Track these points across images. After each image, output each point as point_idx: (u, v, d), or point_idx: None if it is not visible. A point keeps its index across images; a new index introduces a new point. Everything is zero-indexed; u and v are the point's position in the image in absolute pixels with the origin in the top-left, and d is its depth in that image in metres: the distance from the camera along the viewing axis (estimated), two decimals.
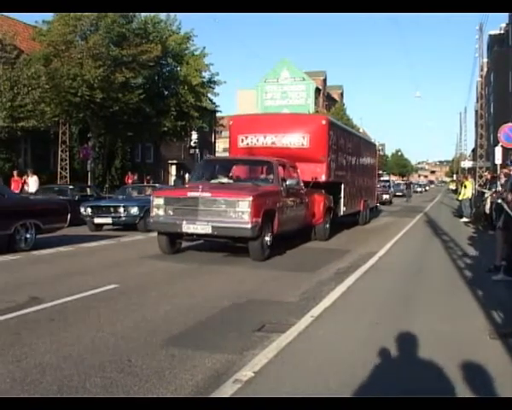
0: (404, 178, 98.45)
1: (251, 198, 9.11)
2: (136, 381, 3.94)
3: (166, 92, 28.86)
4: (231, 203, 9.21)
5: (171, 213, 9.64)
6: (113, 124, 26.18)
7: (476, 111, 57.53)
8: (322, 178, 13.00)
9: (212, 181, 10.79)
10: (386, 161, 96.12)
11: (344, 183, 14.97)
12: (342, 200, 14.80)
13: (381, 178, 72.48)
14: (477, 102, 50.74)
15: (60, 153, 26.50)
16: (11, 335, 4.94)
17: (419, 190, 62.71)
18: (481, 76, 39.25)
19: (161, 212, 9.72)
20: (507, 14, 47.20)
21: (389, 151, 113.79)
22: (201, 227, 9.20)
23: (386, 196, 34.10)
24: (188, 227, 9.31)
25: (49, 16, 23.47)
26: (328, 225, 13.21)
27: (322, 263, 9.65)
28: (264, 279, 8.06)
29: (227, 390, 3.73)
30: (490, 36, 57.11)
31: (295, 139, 12.94)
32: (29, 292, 6.60)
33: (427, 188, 76.86)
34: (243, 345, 4.82)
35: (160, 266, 8.94)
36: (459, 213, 23.18)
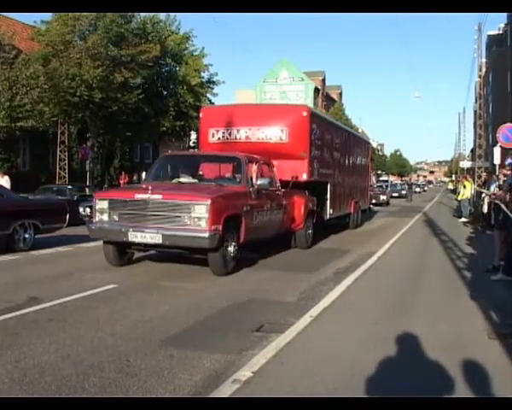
0: (404, 179, 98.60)
1: (209, 201, 7.68)
2: (134, 381, 3.94)
3: (165, 92, 28.86)
4: (186, 207, 7.80)
5: (117, 219, 8.17)
6: (112, 124, 26.17)
7: (475, 111, 57.61)
8: (304, 177, 11.54)
9: (174, 181, 9.37)
10: (385, 161, 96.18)
11: (330, 182, 13.58)
12: (329, 201, 13.41)
13: (380, 179, 72.45)
14: (476, 102, 50.82)
15: (58, 153, 26.47)
16: (10, 335, 4.93)
17: (417, 190, 61.96)
18: (480, 76, 39.29)
19: (105, 217, 8.26)
20: (505, 15, 47.24)
21: (388, 151, 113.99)
22: (150, 236, 7.78)
23: (383, 197, 32.90)
24: (134, 236, 7.87)
25: (47, 16, 23.47)
26: (310, 231, 11.77)
27: (321, 263, 9.65)
28: (262, 279, 8.06)
29: (226, 390, 3.73)
30: (488, 36, 57.16)
31: (273, 133, 11.49)
32: (28, 292, 6.60)
33: (425, 188, 76.70)
34: (242, 345, 4.82)
35: (159, 266, 8.93)
36: (458, 214, 23.21)
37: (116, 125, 26.57)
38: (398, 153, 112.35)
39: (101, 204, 8.37)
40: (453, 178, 73.18)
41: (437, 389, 3.82)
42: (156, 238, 7.77)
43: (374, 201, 29.35)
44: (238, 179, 9.25)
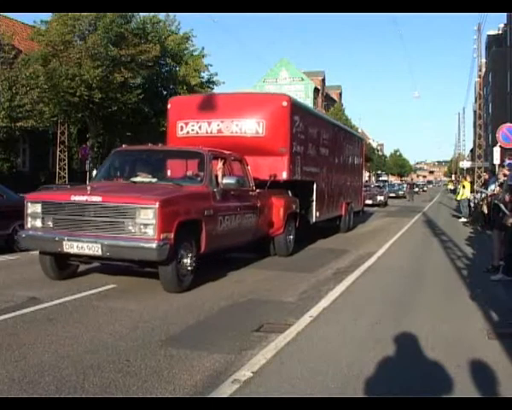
0: (404, 179, 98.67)
1: (157, 204, 6.40)
2: (134, 381, 3.94)
3: (165, 92, 28.83)
4: (129, 212, 6.51)
5: (51, 225, 6.93)
6: (112, 124, 26.16)
7: (474, 111, 57.61)
8: (283, 175, 10.32)
9: (132, 180, 8.01)
10: (384, 161, 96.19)
11: (317, 182, 12.36)
12: (315, 203, 12.17)
13: (380, 179, 72.18)
14: (475, 102, 50.78)
15: (58, 153, 26.47)
16: (9, 335, 4.93)
17: (416, 190, 61.46)
18: (480, 76, 39.27)
19: (38, 223, 7.02)
20: (505, 15, 47.28)
21: (388, 151, 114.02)
22: (88, 246, 6.57)
23: (380, 198, 31.69)
24: (70, 246, 6.67)
25: (47, 16, 23.46)
26: (291, 236, 10.56)
27: (321, 263, 9.66)
28: (262, 279, 8.06)
29: (226, 390, 3.73)
30: (488, 36, 57.25)
31: (248, 126, 10.18)
32: (27, 292, 6.60)
33: (424, 188, 76.45)
34: (242, 345, 4.82)
35: None
36: (458, 214, 23.23)
37: (116, 126, 26.55)
38: (397, 153, 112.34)
39: (33, 208, 7.08)
40: (453, 178, 73.21)
41: (437, 389, 3.82)
42: (95, 249, 6.56)
43: (370, 201, 28.88)
44: (200, 178, 7.90)
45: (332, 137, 14.04)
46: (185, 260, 6.98)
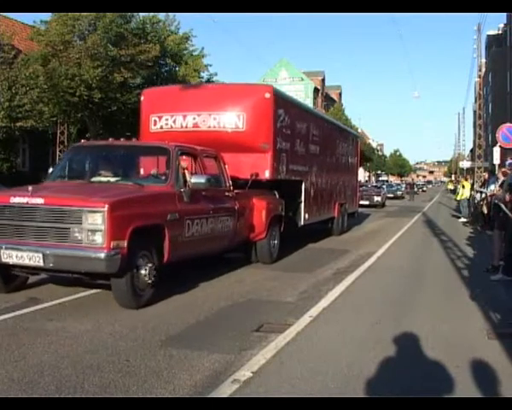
0: (404, 179, 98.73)
1: (106, 207, 5.52)
2: (134, 381, 3.94)
3: None
4: (75, 216, 5.63)
5: None
6: (112, 124, 26.14)
7: (474, 111, 57.61)
8: (266, 174, 9.40)
9: (90, 179, 7.24)
10: (384, 161, 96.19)
11: (306, 181, 11.46)
12: (303, 204, 11.25)
13: (380, 178, 72.22)
14: (475, 102, 50.78)
15: (58, 153, 26.45)
16: (9, 335, 4.93)
17: (415, 190, 60.72)
18: (479, 76, 39.26)
19: None
20: (505, 15, 47.28)
21: (388, 151, 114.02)
22: (29, 255, 5.69)
23: (377, 199, 30.15)
24: (8, 255, 5.79)
25: (47, 16, 23.45)
26: (276, 241, 9.62)
27: (320, 263, 9.65)
28: (262, 279, 8.06)
29: (225, 390, 3.73)
30: (488, 36, 57.23)
31: (227, 119, 9.28)
32: (27, 292, 6.59)
33: (424, 188, 76.22)
34: (241, 345, 4.82)
35: None
36: (457, 214, 23.24)
37: (115, 125, 26.53)
38: (397, 153, 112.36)
39: None
40: (453, 178, 73.22)
41: (437, 389, 3.82)
42: (36, 259, 5.67)
43: (367, 202, 27.92)
44: (164, 177, 7.02)
45: (323, 134, 13.01)
46: (143, 272, 6.02)
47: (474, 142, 40.99)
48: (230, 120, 9.30)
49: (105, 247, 5.54)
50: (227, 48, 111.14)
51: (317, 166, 12.40)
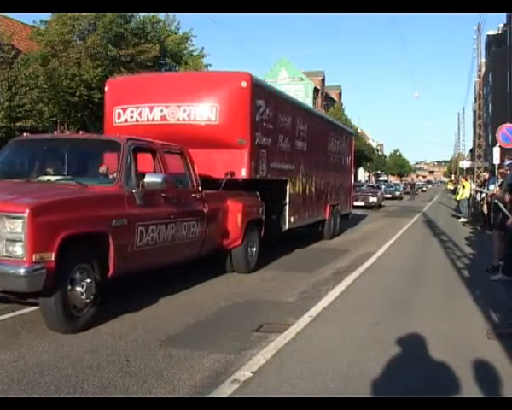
0: (404, 179, 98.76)
1: (27, 212, 4.60)
2: (134, 381, 3.93)
3: None
4: None
5: None
6: None
7: (474, 111, 57.59)
8: (243, 173, 8.42)
9: (35, 179, 6.18)
10: (384, 161, 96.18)
11: (291, 181, 10.49)
12: (288, 206, 10.28)
13: (380, 178, 72.10)
14: (475, 102, 50.79)
15: None
16: (9, 335, 4.93)
17: (415, 189, 60.12)
18: (479, 76, 39.27)
19: None
20: (505, 15, 47.29)
21: (388, 151, 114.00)
22: None
23: (373, 199, 28.60)
24: None
25: (46, 16, 23.45)
26: (254, 248, 8.66)
27: (320, 263, 9.65)
28: (262, 279, 8.06)
29: (225, 390, 3.73)
30: (488, 36, 57.24)
31: (198, 111, 8.30)
32: None
33: (424, 189, 75.92)
34: (241, 345, 4.82)
35: None
36: (457, 214, 23.25)
37: None
38: (397, 153, 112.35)
39: None
40: (452, 178, 73.22)
41: (437, 390, 3.82)
42: None
43: (362, 203, 26.94)
44: (112, 176, 6.03)
45: (312, 129, 11.90)
46: (80, 289, 5.06)
47: (474, 142, 41.00)
48: (202, 112, 8.32)
49: (26, 260, 4.58)
50: (227, 48, 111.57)
51: (304, 165, 11.34)
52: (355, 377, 4.03)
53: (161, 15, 27.75)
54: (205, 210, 7.31)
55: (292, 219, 10.46)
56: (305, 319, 5.63)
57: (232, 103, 8.35)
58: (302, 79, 61.31)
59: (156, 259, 6.36)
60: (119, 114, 8.77)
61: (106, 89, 9.44)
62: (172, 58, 28.48)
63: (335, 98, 71.13)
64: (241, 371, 4.11)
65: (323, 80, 67.20)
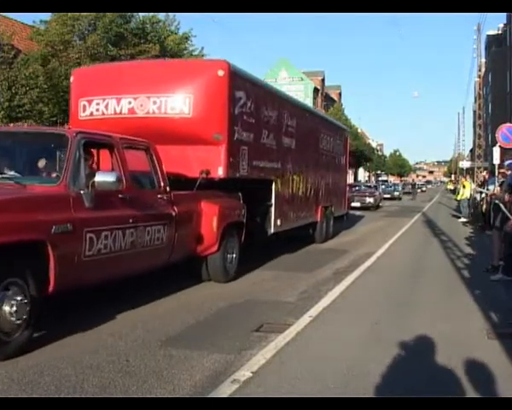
0: (403, 179, 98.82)
1: None
2: (134, 381, 3.93)
3: None
4: None
5: None
6: None
7: (474, 111, 57.60)
8: (219, 172, 7.66)
9: None
10: (384, 161, 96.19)
11: (277, 181, 9.65)
12: (274, 208, 9.43)
13: (380, 178, 72.07)
14: (475, 102, 50.81)
15: None
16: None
17: (411, 191, 58.59)
18: (479, 76, 39.29)
19: None
20: (505, 15, 47.29)
21: (387, 151, 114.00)
22: None
23: (369, 200, 27.40)
24: None
25: (46, 16, 23.46)
26: (233, 255, 7.90)
27: (320, 263, 9.65)
28: (262, 279, 8.06)
29: (225, 390, 3.73)
30: (488, 36, 57.24)
31: (170, 103, 7.54)
32: None
33: (423, 189, 75.33)
34: (241, 345, 4.82)
35: None
36: (457, 214, 23.26)
37: None
38: (397, 153, 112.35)
39: None
40: (452, 178, 73.19)
41: (436, 390, 3.82)
42: None
43: (358, 204, 25.87)
44: (56, 174, 5.23)
45: (302, 125, 11.07)
46: (8, 309, 4.24)
47: (474, 142, 41.02)
48: (174, 104, 7.53)
49: None
50: (227, 48, 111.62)
51: (292, 163, 10.51)
52: (355, 377, 4.03)
53: (161, 15, 27.74)
54: (173, 213, 6.52)
55: (278, 222, 9.67)
56: (305, 319, 5.62)
57: (207, 94, 7.57)
58: (302, 79, 61.33)
59: (113, 269, 5.60)
60: (84, 106, 7.98)
61: (71, 79, 8.68)
62: (172, 58, 28.49)
63: (335, 98, 71.14)
64: (241, 371, 4.11)
65: (323, 80, 67.21)
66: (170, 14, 28.08)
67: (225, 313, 6.04)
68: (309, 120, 11.89)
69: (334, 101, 68.09)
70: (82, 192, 5.12)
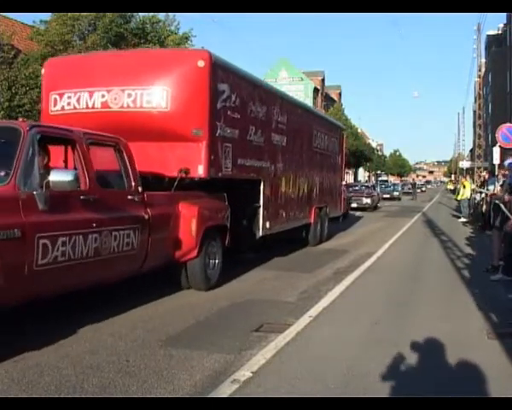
0: (403, 179, 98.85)
1: None
2: (134, 381, 3.93)
3: None
4: None
5: None
6: None
7: (474, 111, 57.61)
8: (199, 170, 7.07)
9: None
10: (384, 161, 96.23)
11: (266, 181, 9.07)
12: (262, 209, 8.87)
13: (380, 178, 72.13)
14: (475, 102, 50.81)
15: None
16: (8, 335, 4.92)
17: (411, 190, 57.73)
18: (479, 76, 39.30)
19: None
20: (505, 15, 47.30)
21: (387, 151, 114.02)
22: None
23: (366, 201, 26.55)
24: None
25: (46, 16, 23.47)
26: (216, 260, 7.33)
27: (320, 263, 9.66)
28: (262, 279, 8.06)
29: (225, 390, 3.73)
30: (488, 36, 57.25)
31: (146, 96, 6.96)
32: None
33: (423, 189, 74.84)
34: (241, 345, 4.82)
35: None
36: (457, 214, 23.26)
37: None
38: (397, 153, 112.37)
39: None
40: (452, 178, 73.19)
41: (436, 389, 3.82)
42: None
43: (355, 204, 25.03)
44: (4, 172, 4.61)
45: (294, 122, 10.54)
46: None
47: (474, 142, 41.03)
48: (150, 97, 6.96)
49: None
50: (227, 48, 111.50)
51: (283, 162, 9.94)
52: (355, 377, 4.03)
53: (161, 15, 27.74)
54: (146, 216, 5.95)
55: (267, 225, 9.08)
56: (305, 319, 5.63)
57: (187, 87, 6.99)
58: (302, 79, 61.36)
59: (73, 278, 5.03)
60: (55, 100, 7.40)
61: (42, 71, 8.07)
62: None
63: (335, 98, 71.16)
64: (241, 371, 4.11)
65: (323, 80, 67.24)
66: (170, 14, 28.07)
67: (225, 312, 6.04)
68: (301, 117, 11.34)
69: (334, 101, 68.10)
70: (35, 193, 4.57)
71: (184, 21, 66.32)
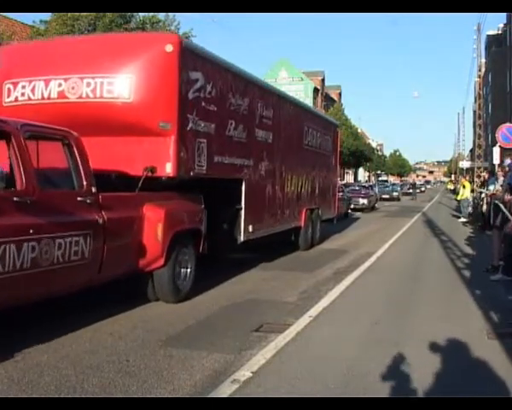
0: (403, 179, 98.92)
1: None
2: (134, 381, 3.93)
3: None
4: None
5: None
6: None
7: (474, 111, 57.61)
8: (167, 169, 6.28)
9: None
10: (384, 161, 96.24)
11: (248, 180, 8.31)
12: (244, 212, 8.13)
13: (380, 178, 72.13)
14: (475, 102, 50.82)
15: None
16: (8, 335, 4.92)
17: (411, 190, 53.61)
18: (479, 76, 39.30)
19: None
20: (505, 15, 47.29)
21: (387, 151, 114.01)
22: None
23: (362, 201, 25.67)
24: None
25: (46, 16, 23.45)
26: (187, 269, 6.55)
27: (320, 263, 9.65)
28: (262, 279, 8.06)
29: (225, 390, 3.73)
30: (488, 36, 57.28)
31: (106, 85, 6.18)
32: None
33: (422, 189, 74.48)
34: (241, 345, 4.82)
35: None
36: (457, 214, 23.27)
37: None
38: (397, 153, 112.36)
39: None
40: (452, 178, 73.18)
41: (436, 389, 3.82)
42: None
43: (352, 205, 23.75)
44: None
45: (282, 117, 9.75)
46: None
47: (474, 142, 41.01)
48: (111, 86, 6.17)
49: None
50: (227, 48, 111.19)
51: (268, 160, 9.13)
52: (355, 377, 4.03)
53: (161, 15, 27.70)
54: (100, 220, 5.19)
55: (250, 229, 8.33)
56: (305, 319, 5.63)
57: (153, 74, 6.23)
58: (302, 79, 61.36)
59: (5, 293, 4.19)
60: (8, 90, 6.68)
61: None
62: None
63: (335, 98, 71.17)
64: (241, 371, 4.11)
65: (323, 80, 67.26)
66: (170, 14, 28.05)
67: (225, 312, 6.04)
68: (290, 111, 10.43)
69: (334, 101, 68.10)
70: None
71: (184, 21, 66.42)
